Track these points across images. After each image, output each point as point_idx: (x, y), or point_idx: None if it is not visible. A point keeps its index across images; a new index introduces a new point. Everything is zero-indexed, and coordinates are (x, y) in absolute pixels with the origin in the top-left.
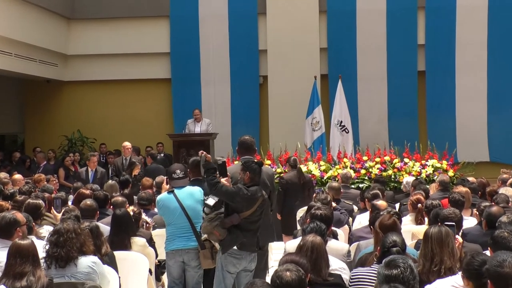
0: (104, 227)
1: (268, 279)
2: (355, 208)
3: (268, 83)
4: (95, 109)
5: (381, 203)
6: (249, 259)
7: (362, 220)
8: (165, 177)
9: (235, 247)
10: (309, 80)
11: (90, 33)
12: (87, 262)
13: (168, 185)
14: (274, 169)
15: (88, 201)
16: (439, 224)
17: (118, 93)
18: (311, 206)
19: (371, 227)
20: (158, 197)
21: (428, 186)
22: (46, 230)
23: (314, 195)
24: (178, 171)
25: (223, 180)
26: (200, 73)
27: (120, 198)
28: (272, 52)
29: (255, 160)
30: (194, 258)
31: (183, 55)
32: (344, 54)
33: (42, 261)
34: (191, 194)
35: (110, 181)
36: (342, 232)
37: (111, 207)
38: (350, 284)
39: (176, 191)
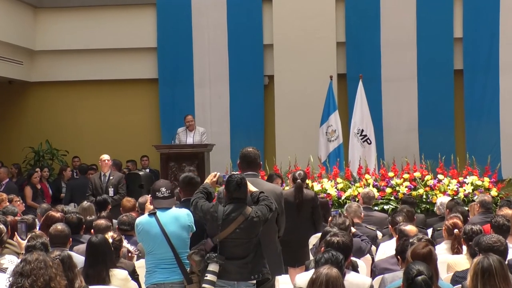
0: (78, 257)
1: None
2: (379, 234)
3: (274, 84)
4: (67, 115)
5: (410, 228)
6: None
7: (387, 248)
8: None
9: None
10: (324, 80)
11: (61, 24)
12: None
13: (152, 206)
14: (282, 187)
15: (59, 226)
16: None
17: (94, 96)
18: (326, 232)
19: (398, 257)
20: (137, 220)
21: (466, 208)
22: (8, 260)
23: (330, 218)
24: (163, 189)
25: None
26: (193, 73)
27: (103, 222)
28: (280, 47)
29: (238, 174)
30: None
31: (172, 51)
32: (366, 50)
33: None
34: (176, 218)
35: (84, 202)
36: (363, 263)
37: (92, 231)
38: None
39: (158, 213)
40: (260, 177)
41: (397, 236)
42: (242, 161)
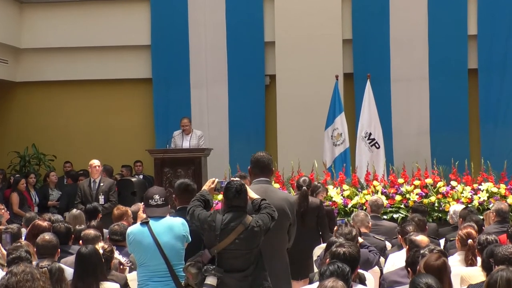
0: (67, 269)
1: None
2: (388, 245)
3: (276, 84)
4: (54, 118)
5: (421, 238)
6: None
7: (396, 260)
8: (142, 204)
9: None
10: (329, 80)
11: (48, 20)
12: None
13: (145, 214)
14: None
15: (47, 236)
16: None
17: (84, 97)
18: (331, 243)
19: (409, 269)
20: (129, 230)
21: (481, 217)
22: None
23: (336, 228)
24: (157, 197)
25: None
26: (189, 72)
27: (92, 232)
28: (282, 45)
29: (237, 180)
30: None
31: (167, 49)
32: (374, 48)
33: None
34: (170, 228)
35: (74, 210)
36: (371, 276)
37: (81, 241)
38: None
39: (151, 222)
40: (273, 184)
41: (407, 246)
42: (255, 166)
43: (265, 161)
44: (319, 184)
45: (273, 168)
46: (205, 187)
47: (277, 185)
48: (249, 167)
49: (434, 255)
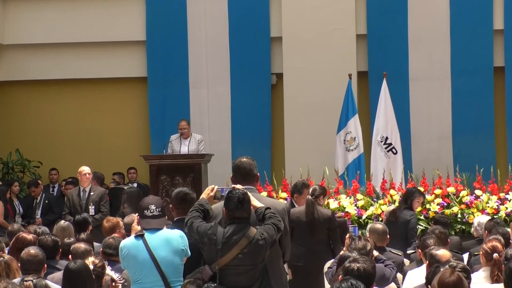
0: (54, 286)
1: None
2: (406, 260)
3: (283, 84)
4: (40, 120)
5: (442, 253)
6: None
7: (416, 277)
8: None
9: None
10: (342, 80)
11: (33, 14)
12: None
13: (140, 226)
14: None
15: (32, 250)
16: None
17: (73, 98)
18: (344, 257)
19: (429, 286)
20: (122, 243)
21: (508, 229)
22: None
23: (347, 239)
24: (153, 207)
25: None
26: (188, 70)
27: (82, 246)
28: (290, 40)
29: (239, 190)
30: None
31: (164, 45)
32: (391, 44)
33: None
34: (168, 241)
35: (62, 222)
36: None
37: (70, 256)
38: None
39: (147, 235)
40: (257, 191)
41: (427, 262)
42: (236, 174)
43: (246, 167)
44: (316, 187)
45: (257, 174)
46: (203, 195)
47: (284, 194)
48: (231, 175)
49: (448, 271)
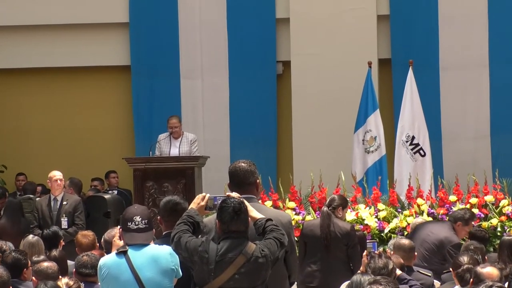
0: None
1: None
2: (437, 282)
3: (291, 73)
4: (4, 117)
5: (489, 271)
6: None
7: None
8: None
9: None
10: (360, 68)
11: None
12: None
13: (122, 241)
14: (296, 216)
15: None
16: None
17: (43, 91)
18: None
19: None
20: (101, 261)
21: None
22: None
23: (364, 257)
24: (138, 219)
25: None
26: (178, 59)
27: (49, 266)
28: (298, 23)
29: (235, 199)
30: None
31: (150, 27)
32: (418, 26)
33: None
34: (155, 259)
35: (30, 237)
36: None
37: (33, 278)
38: None
39: (130, 252)
40: (259, 200)
41: (471, 280)
42: (230, 181)
43: (239, 174)
44: (335, 197)
45: (257, 181)
46: (192, 205)
47: (292, 204)
48: (228, 182)
49: None
